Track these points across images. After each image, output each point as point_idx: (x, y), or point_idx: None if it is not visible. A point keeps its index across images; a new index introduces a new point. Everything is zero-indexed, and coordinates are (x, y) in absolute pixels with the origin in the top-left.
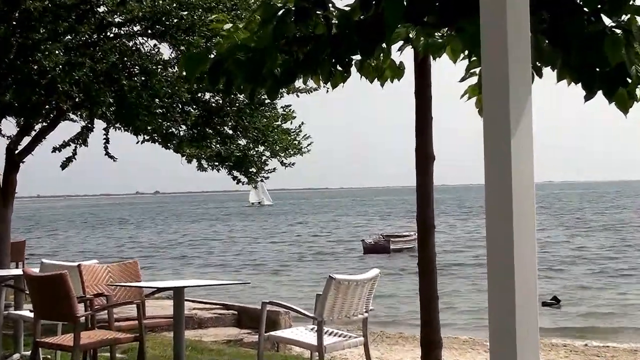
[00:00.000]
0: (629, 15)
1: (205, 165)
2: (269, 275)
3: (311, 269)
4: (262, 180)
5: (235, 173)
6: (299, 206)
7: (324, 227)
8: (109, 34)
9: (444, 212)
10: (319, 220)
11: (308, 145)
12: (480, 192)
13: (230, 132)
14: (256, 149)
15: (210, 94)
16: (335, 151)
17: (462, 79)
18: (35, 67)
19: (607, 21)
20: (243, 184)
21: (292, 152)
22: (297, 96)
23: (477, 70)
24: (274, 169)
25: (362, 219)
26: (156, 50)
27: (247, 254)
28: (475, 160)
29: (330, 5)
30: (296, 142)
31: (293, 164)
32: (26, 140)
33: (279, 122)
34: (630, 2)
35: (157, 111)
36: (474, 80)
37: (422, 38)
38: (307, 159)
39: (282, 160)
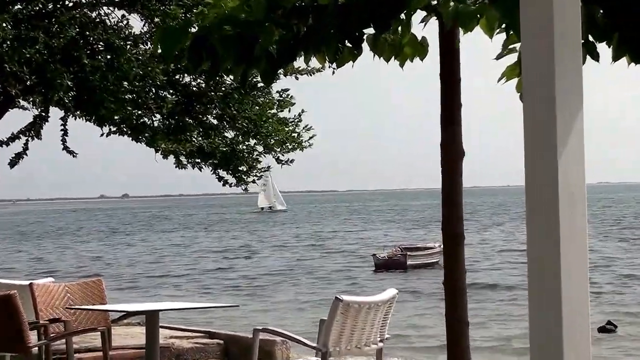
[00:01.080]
0: None
1: (185, 162)
2: (263, 297)
3: (316, 288)
4: (253, 182)
5: (221, 172)
6: (316, 212)
7: (344, 237)
8: (67, 2)
9: (472, 219)
10: (344, 230)
11: (310, 138)
12: (513, 196)
13: (215, 122)
14: (246, 143)
15: (191, 76)
16: (341, 146)
17: (499, 57)
18: None
19: None
20: (231, 186)
21: (290, 147)
22: (297, 78)
23: (518, 45)
24: (268, 167)
25: (386, 227)
26: (125, 22)
27: (240, 270)
28: (506, 157)
29: None
30: (295, 135)
31: (291, 161)
32: None
33: (274, 110)
34: None
35: (126, 97)
36: (513, 58)
37: (451, 3)
38: (309, 156)
39: (278, 157)
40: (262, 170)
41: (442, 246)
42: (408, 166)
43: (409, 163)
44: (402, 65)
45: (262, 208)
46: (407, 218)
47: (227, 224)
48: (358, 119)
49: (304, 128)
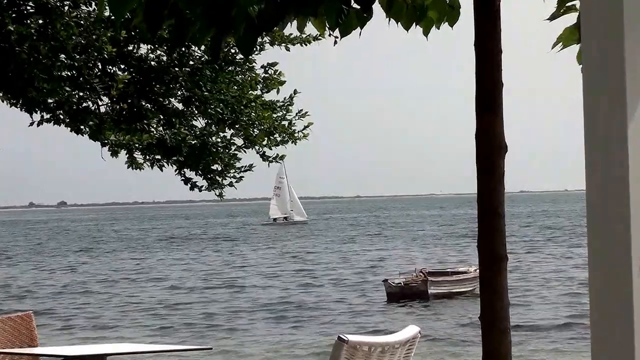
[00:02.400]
0: None
1: (141, 160)
2: (246, 336)
3: (311, 325)
4: (231, 185)
5: (188, 172)
6: (337, 225)
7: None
8: None
9: (518, 235)
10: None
11: (305, 127)
12: (572, 203)
13: (181, 107)
14: (222, 134)
15: (149, 47)
16: (346, 142)
17: (553, 17)
18: None
19: None
20: (201, 190)
21: (279, 139)
22: (287, 49)
23: (577, 3)
24: (250, 165)
25: (415, 245)
26: None
27: (219, 301)
28: (564, 153)
29: None
30: (285, 123)
31: (281, 157)
32: None
33: (258, 91)
34: None
35: (64, 73)
36: (572, 19)
37: None
38: (305, 152)
39: (264, 152)
40: (242, 169)
41: (477, 270)
42: (434, 167)
43: (436, 163)
44: (426, 33)
45: (275, 219)
46: (443, 232)
47: (206, 241)
48: (367, 106)
49: (297, 114)
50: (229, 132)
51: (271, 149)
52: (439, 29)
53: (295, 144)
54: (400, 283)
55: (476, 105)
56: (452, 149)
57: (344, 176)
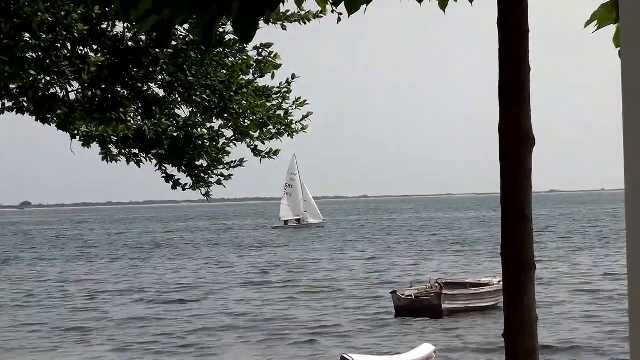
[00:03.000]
0: None
1: (116, 153)
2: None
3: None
4: (219, 183)
5: (170, 169)
6: (351, 227)
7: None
8: None
9: (546, 241)
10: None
11: (304, 118)
12: (608, 204)
13: (162, 93)
14: (208, 125)
15: (126, 25)
16: (353, 135)
17: None
18: None
19: None
20: (185, 189)
21: (273, 131)
22: (283, 28)
23: None
24: (241, 160)
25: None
26: None
27: (193, 308)
28: (600, 149)
29: None
30: (281, 113)
31: (275, 152)
32: None
33: (250, 76)
34: None
35: (28, 55)
36: None
37: None
38: (305, 147)
39: (256, 146)
40: (232, 165)
41: (501, 282)
42: (452, 163)
43: (454, 159)
44: (443, 6)
45: (287, 222)
46: (464, 237)
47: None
48: (375, 95)
49: (294, 102)
50: (216, 123)
51: (264, 143)
52: (456, 0)
53: (292, 137)
54: (410, 295)
55: (499, 93)
56: (472, 143)
57: (348, 174)
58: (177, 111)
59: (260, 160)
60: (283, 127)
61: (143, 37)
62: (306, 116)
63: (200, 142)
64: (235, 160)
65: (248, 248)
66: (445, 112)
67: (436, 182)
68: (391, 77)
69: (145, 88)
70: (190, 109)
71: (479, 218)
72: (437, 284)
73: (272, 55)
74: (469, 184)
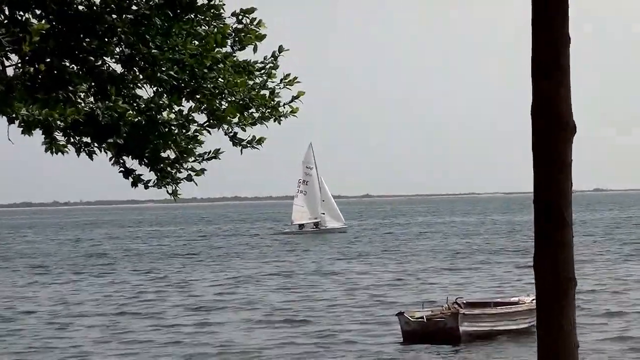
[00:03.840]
0: None
1: (62, 142)
2: None
3: None
4: (189, 179)
5: (130, 161)
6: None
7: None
8: None
9: (587, 251)
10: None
11: (294, 99)
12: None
13: (119, 69)
14: (177, 108)
15: None
16: (351, 126)
17: None
18: None
19: None
20: (148, 186)
21: (256, 115)
22: None
23: None
24: (217, 151)
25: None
26: None
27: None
28: None
29: None
30: (266, 93)
31: (258, 141)
32: None
33: (228, 48)
34: None
35: None
36: None
37: None
38: (291, 131)
39: (235, 134)
40: (205, 157)
41: (534, 301)
42: (474, 157)
43: (476, 152)
44: None
45: (301, 226)
46: (491, 245)
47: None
48: (380, 76)
49: (282, 80)
50: (186, 106)
51: (245, 130)
52: None
53: (280, 123)
54: (422, 318)
55: (532, 70)
56: (498, 131)
57: (349, 171)
58: (138, 91)
59: (241, 150)
60: (268, 111)
61: (97, 0)
62: (297, 97)
63: (166, 129)
64: (210, 151)
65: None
66: (467, 94)
67: (456, 179)
68: (401, 61)
69: (100, 63)
70: (154, 89)
71: (506, 222)
72: (456, 304)
73: (254, 23)
74: (496, 181)
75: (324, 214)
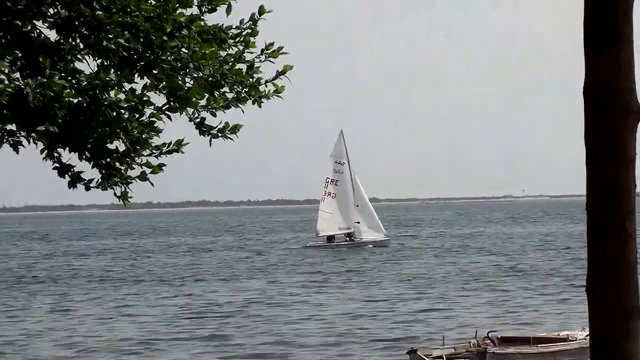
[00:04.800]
0: None
1: None
2: None
3: None
4: (143, 178)
5: (66, 154)
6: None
7: None
8: None
9: None
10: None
11: (280, 75)
12: None
13: (54, 36)
14: (128, 85)
15: None
16: (354, 117)
17: None
18: None
19: None
20: (89, 187)
21: (230, 96)
22: None
23: None
24: (179, 143)
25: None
26: None
27: None
28: None
29: None
30: (242, 68)
31: (232, 129)
32: None
33: (195, 10)
34: None
35: None
36: None
37: None
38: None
39: (202, 120)
40: (164, 151)
41: (588, 337)
42: (511, 155)
43: (514, 150)
44: None
45: (331, 238)
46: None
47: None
48: (390, 57)
49: (263, 51)
50: (140, 83)
51: (215, 115)
52: None
53: (260, 106)
54: (441, 357)
55: (585, 41)
56: (539, 118)
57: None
58: (78, 65)
59: (210, 141)
60: (245, 90)
61: None
62: (282, 72)
63: (114, 114)
64: (170, 143)
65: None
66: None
67: (490, 179)
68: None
69: (29, 28)
70: (98, 61)
71: (551, 234)
72: (487, 339)
73: None
74: (539, 181)
75: (358, 222)
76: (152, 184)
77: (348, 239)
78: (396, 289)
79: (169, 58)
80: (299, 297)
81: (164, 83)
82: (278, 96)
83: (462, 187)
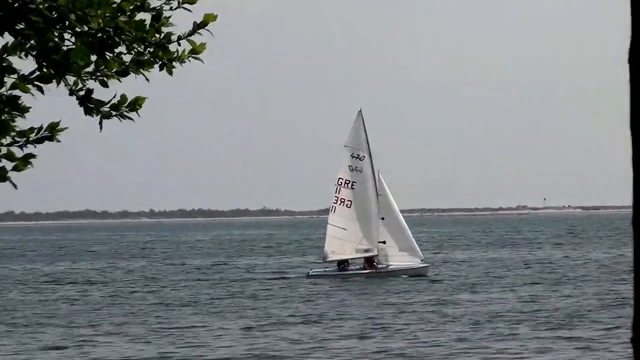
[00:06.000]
0: None
1: None
2: None
3: None
4: (3, 177)
5: None
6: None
7: None
8: None
9: None
10: None
11: (197, 29)
12: None
13: None
14: None
15: None
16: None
17: None
18: None
19: None
20: None
21: (131, 59)
22: None
23: None
24: (54, 127)
25: None
26: None
27: None
28: None
29: None
30: (146, 20)
31: (135, 105)
32: None
33: None
34: None
35: None
36: None
37: None
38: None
39: (87, 92)
40: (32, 138)
41: None
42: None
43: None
44: None
45: (345, 263)
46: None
47: None
48: (388, 45)
49: None
50: None
51: (107, 85)
52: None
53: (171, 73)
54: None
55: (630, 58)
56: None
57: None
58: None
59: (100, 123)
60: (150, 50)
61: None
62: (201, 25)
63: None
64: (41, 127)
65: None
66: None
67: (504, 187)
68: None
69: None
70: None
71: (590, 258)
72: None
73: None
74: (570, 190)
75: (384, 242)
76: (14, 185)
77: (368, 265)
78: None
79: (40, 6)
80: None
81: (33, 42)
82: (196, 58)
83: (459, 197)
